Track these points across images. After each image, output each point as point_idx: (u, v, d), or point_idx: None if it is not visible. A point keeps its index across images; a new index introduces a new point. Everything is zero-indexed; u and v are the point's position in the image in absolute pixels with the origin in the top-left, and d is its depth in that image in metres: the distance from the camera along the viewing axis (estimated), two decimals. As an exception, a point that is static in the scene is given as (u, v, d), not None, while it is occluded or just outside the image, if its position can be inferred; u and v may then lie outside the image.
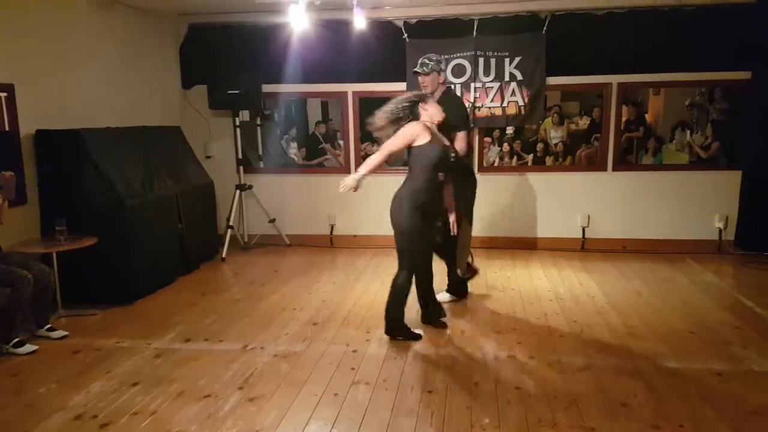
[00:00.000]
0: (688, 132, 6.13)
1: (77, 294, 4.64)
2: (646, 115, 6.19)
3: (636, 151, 6.21)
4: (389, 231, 6.56)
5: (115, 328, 4.30)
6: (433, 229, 4.07)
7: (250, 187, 6.60)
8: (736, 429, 2.84)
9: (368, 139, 6.56)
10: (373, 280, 5.39)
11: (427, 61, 4.38)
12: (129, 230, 4.77)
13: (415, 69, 4.47)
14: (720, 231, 6.16)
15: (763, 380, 3.34)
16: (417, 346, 3.88)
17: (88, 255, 4.45)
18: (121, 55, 5.72)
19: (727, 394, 3.18)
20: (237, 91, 6.10)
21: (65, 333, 4.12)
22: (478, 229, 6.45)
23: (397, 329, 3.98)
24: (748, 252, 5.94)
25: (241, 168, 6.54)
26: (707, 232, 6.20)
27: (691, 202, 6.18)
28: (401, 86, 6.27)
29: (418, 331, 4.05)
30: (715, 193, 6.12)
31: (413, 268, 3.96)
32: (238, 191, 6.49)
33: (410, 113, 3.93)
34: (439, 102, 4.16)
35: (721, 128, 6.04)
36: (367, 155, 6.58)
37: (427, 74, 4.39)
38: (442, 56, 4.47)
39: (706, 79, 5.98)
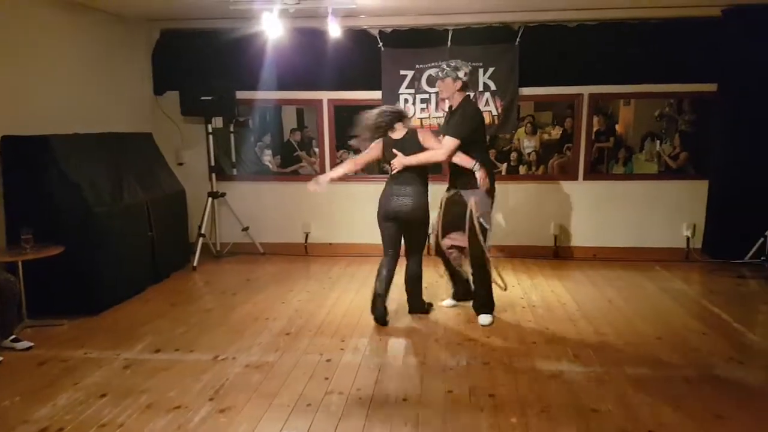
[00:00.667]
0: (658, 142, 6.26)
1: (44, 304, 4.52)
2: (617, 126, 6.32)
3: (607, 160, 6.32)
4: (364, 239, 6.65)
5: (83, 338, 4.20)
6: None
7: (223, 194, 6.53)
8: (704, 434, 2.88)
9: (344, 146, 6.56)
10: (347, 289, 5.37)
11: (445, 66, 4.27)
12: (97, 239, 4.68)
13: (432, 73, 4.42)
14: (688, 239, 6.28)
15: (728, 386, 3.41)
16: (391, 355, 3.88)
17: (55, 264, 4.34)
18: (91, 61, 5.62)
19: (695, 399, 3.23)
20: (210, 98, 6.04)
21: (31, 344, 4.01)
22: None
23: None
24: (715, 260, 6.06)
25: (214, 175, 6.47)
26: (676, 241, 6.32)
27: (660, 211, 6.29)
28: (377, 95, 6.30)
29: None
30: (684, 202, 6.25)
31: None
32: (210, 199, 6.41)
33: (389, 124, 4.28)
34: (453, 114, 4.28)
35: (689, 139, 6.18)
36: (343, 162, 6.60)
37: (441, 79, 4.27)
38: (469, 67, 4.29)
39: (675, 90, 6.12)
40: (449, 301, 4.83)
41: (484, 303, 4.47)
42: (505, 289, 4.65)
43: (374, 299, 4.42)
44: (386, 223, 4.36)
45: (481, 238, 4.24)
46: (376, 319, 4.42)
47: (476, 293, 4.52)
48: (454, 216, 4.36)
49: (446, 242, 4.50)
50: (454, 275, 4.73)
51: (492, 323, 4.39)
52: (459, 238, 4.38)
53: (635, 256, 6.28)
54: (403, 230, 4.37)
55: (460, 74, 4.21)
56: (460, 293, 4.77)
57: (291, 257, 6.58)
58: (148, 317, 4.63)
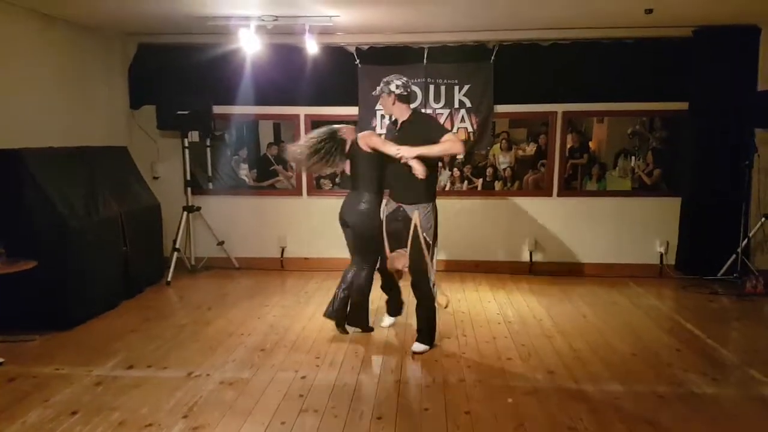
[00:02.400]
0: (631, 159, 6.37)
1: (14, 319, 4.45)
2: (590, 143, 6.40)
3: (580, 177, 6.40)
4: (340, 253, 6.60)
5: (54, 354, 4.12)
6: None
7: (198, 208, 6.49)
8: (675, 450, 2.92)
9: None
10: (323, 304, 5.29)
11: (381, 84, 4.20)
12: (70, 253, 4.62)
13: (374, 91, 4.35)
14: (661, 255, 6.38)
15: (702, 402, 3.44)
16: (367, 371, 3.86)
17: (27, 278, 4.27)
18: (66, 74, 5.56)
19: (669, 416, 3.26)
20: (186, 112, 6.01)
21: (1, 360, 3.93)
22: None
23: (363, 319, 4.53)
24: (688, 276, 6.14)
25: (189, 189, 6.42)
26: (649, 257, 6.41)
27: (634, 228, 6.39)
28: (353, 110, 6.35)
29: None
30: (657, 218, 6.35)
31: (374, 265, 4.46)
32: (185, 213, 6.36)
33: (334, 146, 4.33)
34: (411, 124, 4.15)
35: (661, 156, 6.30)
36: (320, 177, 6.60)
37: (379, 96, 4.25)
38: (402, 79, 4.13)
39: (647, 109, 6.23)
40: (388, 320, 4.76)
41: (423, 329, 4.23)
42: (446, 307, 4.46)
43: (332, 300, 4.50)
44: (343, 229, 4.46)
45: (426, 255, 4.08)
46: (334, 322, 4.52)
47: (418, 317, 4.26)
48: (396, 232, 4.23)
49: (394, 263, 4.28)
50: (393, 290, 4.68)
51: (425, 352, 4.15)
52: (401, 258, 4.21)
53: (609, 272, 6.36)
54: (352, 238, 4.40)
55: (392, 87, 4.12)
56: (395, 309, 4.74)
57: (267, 272, 6.54)
58: (120, 333, 4.56)
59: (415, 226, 4.08)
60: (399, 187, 4.18)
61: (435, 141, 3.96)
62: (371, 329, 4.59)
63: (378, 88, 4.20)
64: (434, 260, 4.17)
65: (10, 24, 4.89)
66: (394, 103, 4.16)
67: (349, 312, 4.51)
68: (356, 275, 4.40)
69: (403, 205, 4.14)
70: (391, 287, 4.65)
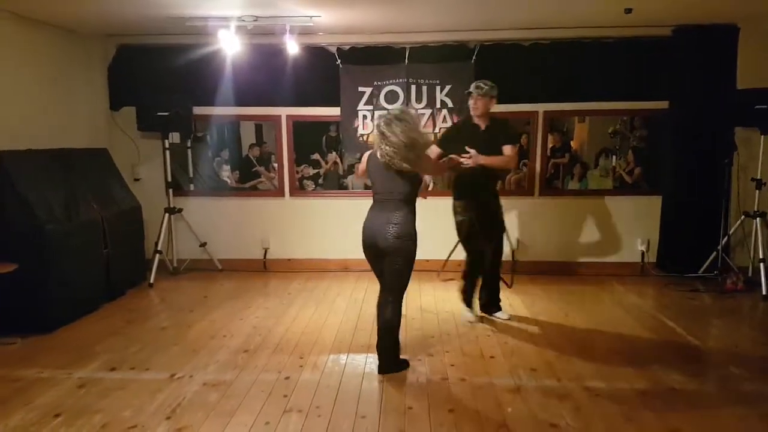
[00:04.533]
0: (612, 158, 6.43)
1: (-6, 322, 4.39)
2: (572, 142, 6.45)
3: (562, 176, 6.45)
4: (324, 254, 6.61)
5: (36, 357, 4.09)
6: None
7: (180, 210, 6.44)
8: (656, 445, 2.95)
9: (303, 161, 6.56)
10: (306, 305, 5.34)
11: (483, 85, 4.50)
12: (50, 255, 4.58)
13: (469, 90, 4.56)
14: (642, 254, 6.43)
15: (683, 399, 3.48)
16: (350, 372, 3.85)
17: (6, 281, 4.26)
18: (45, 76, 5.50)
19: (650, 412, 3.29)
20: (167, 113, 5.97)
21: (-20, 363, 3.89)
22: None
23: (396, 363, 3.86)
24: (669, 274, 6.20)
25: (171, 191, 6.37)
26: (630, 255, 6.46)
27: (615, 226, 6.45)
28: (335, 111, 6.34)
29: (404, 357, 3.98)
30: (638, 217, 6.41)
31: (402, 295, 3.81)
32: (167, 215, 6.31)
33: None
34: (489, 127, 4.58)
35: (641, 155, 6.36)
36: (303, 177, 6.58)
37: (479, 96, 4.49)
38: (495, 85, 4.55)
39: (627, 108, 6.29)
40: (470, 316, 4.94)
41: (497, 299, 4.95)
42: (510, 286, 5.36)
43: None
44: (366, 252, 3.82)
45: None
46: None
47: (493, 291, 4.93)
48: (486, 220, 4.63)
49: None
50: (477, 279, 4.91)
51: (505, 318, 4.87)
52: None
53: (591, 271, 6.40)
54: (380, 263, 3.75)
55: (494, 92, 4.52)
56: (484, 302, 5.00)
57: (249, 273, 6.51)
58: (102, 335, 4.53)
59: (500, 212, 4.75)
60: (480, 183, 4.63)
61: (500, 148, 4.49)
62: (407, 365, 3.92)
63: (479, 89, 4.48)
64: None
65: (-13, 25, 4.83)
66: (491, 107, 4.54)
67: (379, 355, 3.85)
68: (384, 309, 3.77)
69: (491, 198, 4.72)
70: (476, 277, 4.87)
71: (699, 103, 5.98)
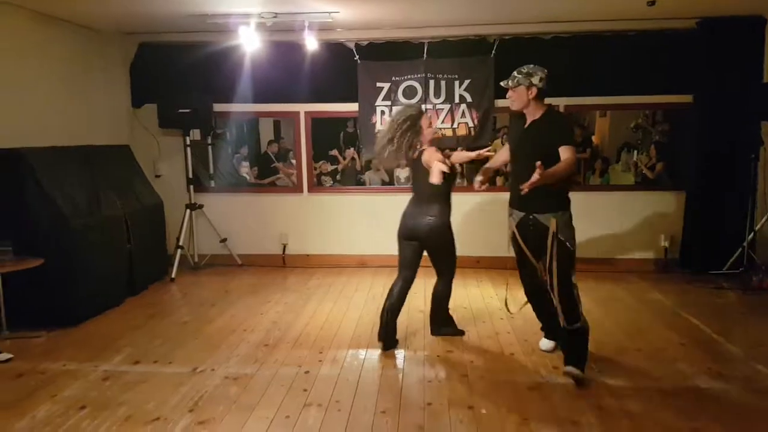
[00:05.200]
0: (634, 153, 6.34)
1: (22, 316, 4.48)
2: (593, 137, 6.38)
3: (583, 171, 6.38)
4: (342, 250, 6.62)
5: (61, 350, 4.16)
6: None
7: (201, 206, 6.50)
8: (680, 444, 2.91)
9: (322, 157, 6.57)
10: (325, 300, 5.36)
11: (516, 73, 3.65)
12: (75, 251, 4.65)
13: (501, 82, 3.80)
14: (665, 250, 6.34)
15: (707, 398, 3.42)
16: (369, 367, 3.86)
17: (33, 276, 4.32)
18: (69, 74, 5.58)
19: (673, 411, 3.24)
20: (187, 110, 6.03)
21: (9, 356, 3.98)
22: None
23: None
24: (693, 270, 6.10)
25: (191, 187, 6.43)
26: (653, 251, 6.39)
27: (638, 222, 6.36)
28: (353, 107, 6.34)
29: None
30: (661, 212, 6.32)
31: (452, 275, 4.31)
32: (188, 211, 6.37)
33: (412, 135, 3.98)
34: (538, 122, 3.66)
35: (664, 149, 6.27)
36: (321, 174, 6.60)
37: (512, 88, 3.67)
38: (544, 72, 3.62)
39: (649, 102, 6.20)
40: (547, 344, 4.13)
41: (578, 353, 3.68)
42: (510, 313, 4.40)
43: (381, 321, 4.16)
44: (404, 242, 4.14)
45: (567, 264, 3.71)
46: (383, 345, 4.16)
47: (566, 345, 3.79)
48: (534, 241, 3.79)
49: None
50: (544, 309, 4.04)
51: (578, 377, 3.59)
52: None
53: (613, 267, 6.33)
54: (427, 253, 4.17)
55: (535, 80, 3.57)
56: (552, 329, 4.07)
57: (268, 268, 6.55)
58: (126, 329, 4.59)
59: (554, 233, 3.68)
60: (528, 194, 3.46)
61: (554, 149, 3.50)
62: (462, 333, 4.42)
63: (512, 79, 3.64)
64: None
65: (13, 25, 4.91)
66: (532, 98, 3.61)
67: (432, 320, 4.43)
68: (438, 284, 4.28)
69: (535, 215, 3.73)
70: (542, 305, 4.01)
71: (724, 97, 5.87)
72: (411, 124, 3.97)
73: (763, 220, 5.89)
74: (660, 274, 6.22)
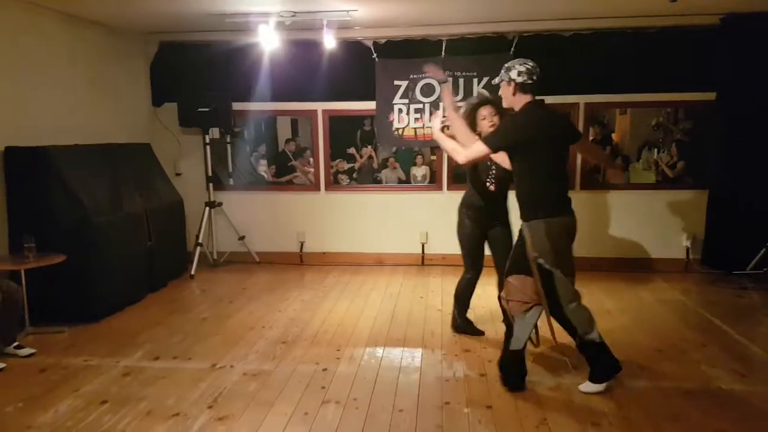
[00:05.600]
0: (655, 151, 6.25)
1: (45, 311, 4.55)
2: (613, 135, 6.31)
3: (603, 170, 6.32)
4: (359, 248, 6.64)
5: (83, 345, 4.22)
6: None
7: (220, 204, 6.55)
8: (701, 446, 2.87)
9: (338, 156, 6.58)
10: (342, 298, 5.37)
11: (502, 70, 3.47)
12: (97, 247, 4.71)
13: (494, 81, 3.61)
14: (687, 250, 6.26)
15: (730, 398, 3.38)
16: (387, 365, 3.86)
17: (56, 272, 4.38)
18: (91, 73, 5.65)
19: (695, 412, 3.20)
20: (207, 109, 6.07)
21: (33, 350, 4.05)
22: (450, 247, 6.51)
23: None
24: (715, 270, 6.03)
25: (211, 185, 6.49)
26: (675, 251, 6.30)
27: (659, 221, 6.29)
28: (371, 105, 6.34)
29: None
30: (683, 211, 6.24)
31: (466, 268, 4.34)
32: (207, 208, 6.43)
33: (471, 124, 3.91)
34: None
35: (685, 148, 6.17)
36: (338, 172, 6.62)
37: (499, 85, 3.51)
38: (526, 64, 3.37)
39: (671, 99, 6.13)
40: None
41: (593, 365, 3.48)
42: (537, 346, 4.03)
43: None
44: None
45: (540, 284, 3.35)
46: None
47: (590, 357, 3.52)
48: (516, 255, 3.52)
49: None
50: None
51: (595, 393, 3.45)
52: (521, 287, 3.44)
53: (634, 267, 6.27)
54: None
55: (513, 75, 3.37)
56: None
57: (286, 266, 6.58)
58: (146, 325, 4.64)
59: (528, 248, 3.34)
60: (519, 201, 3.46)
61: (515, 150, 3.38)
62: (480, 332, 4.39)
63: (500, 75, 3.49)
64: (564, 290, 3.39)
65: (36, 25, 4.98)
66: (514, 94, 3.40)
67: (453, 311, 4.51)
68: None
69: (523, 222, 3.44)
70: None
71: (748, 95, 5.77)
72: (467, 114, 3.98)
73: (787, 220, 5.79)
74: (682, 274, 6.14)
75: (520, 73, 3.35)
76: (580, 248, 6.24)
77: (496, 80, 3.49)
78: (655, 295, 5.42)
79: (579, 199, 6.46)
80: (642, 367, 3.80)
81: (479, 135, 3.76)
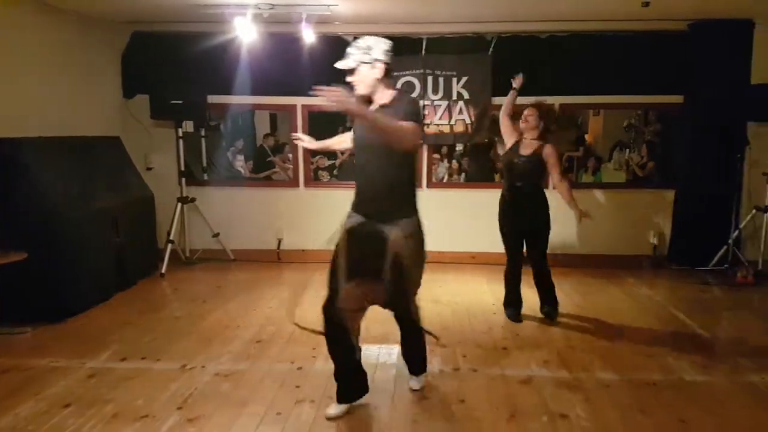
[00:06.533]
0: (626, 152, 6.38)
1: (6, 311, 4.41)
2: (586, 136, 6.40)
3: (576, 169, 6.41)
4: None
5: (47, 347, 4.10)
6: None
7: (193, 200, 6.45)
8: (669, 439, 2.94)
9: (319, 152, 6.52)
10: (319, 296, 5.29)
11: (352, 50, 3.01)
12: (63, 244, 4.59)
13: (337, 63, 3.10)
14: (654, 247, 6.41)
15: (693, 389, 3.48)
16: (363, 362, 3.83)
17: (18, 270, 4.25)
18: (59, 63, 5.50)
19: (660, 404, 3.29)
20: (180, 102, 5.97)
21: (-7, 352, 3.92)
22: (427, 244, 6.51)
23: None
24: (681, 267, 6.20)
25: (183, 180, 6.38)
26: (642, 248, 6.45)
27: (628, 219, 6.42)
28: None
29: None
30: (651, 210, 6.40)
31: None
32: (179, 204, 6.32)
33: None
34: (390, 107, 2.99)
35: (655, 148, 6.32)
36: (318, 168, 6.57)
37: (353, 69, 3.03)
38: (388, 44, 3.03)
39: (642, 102, 6.25)
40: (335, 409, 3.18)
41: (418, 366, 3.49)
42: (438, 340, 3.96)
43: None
44: None
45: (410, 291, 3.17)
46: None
47: (412, 355, 3.48)
48: (364, 255, 3.08)
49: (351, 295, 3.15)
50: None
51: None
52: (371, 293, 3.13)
53: (603, 263, 6.37)
54: None
55: (377, 54, 2.96)
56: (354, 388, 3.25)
57: (263, 264, 6.51)
58: (114, 325, 4.54)
59: (394, 251, 2.99)
60: (372, 192, 3.09)
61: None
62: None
63: (352, 57, 3.01)
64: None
65: (4, 13, 4.83)
66: (384, 77, 3.00)
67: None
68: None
69: (376, 222, 3.06)
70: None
71: (713, 98, 5.94)
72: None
73: (748, 218, 6.02)
74: (649, 270, 6.29)
75: (386, 53, 2.98)
76: (551, 244, 6.34)
77: (351, 63, 2.99)
78: (623, 291, 5.54)
79: (551, 197, 6.58)
80: (610, 360, 3.89)
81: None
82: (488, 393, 3.41)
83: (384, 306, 3.19)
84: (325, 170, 6.61)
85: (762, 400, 3.35)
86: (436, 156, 6.50)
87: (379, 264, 2.99)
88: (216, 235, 6.55)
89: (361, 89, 3.03)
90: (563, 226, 6.38)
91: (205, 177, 6.67)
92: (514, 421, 3.08)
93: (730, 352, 4.06)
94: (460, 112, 6.24)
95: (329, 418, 3.11)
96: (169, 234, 6.17)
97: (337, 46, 6.20)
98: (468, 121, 6.25)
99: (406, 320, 3.34)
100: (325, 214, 6.57)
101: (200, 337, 4.32)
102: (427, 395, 3.38)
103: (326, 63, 6.16)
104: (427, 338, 3.54)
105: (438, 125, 6.28)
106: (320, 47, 6.02)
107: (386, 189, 3.02)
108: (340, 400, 3.17)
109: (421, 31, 6.15)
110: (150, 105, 6.11)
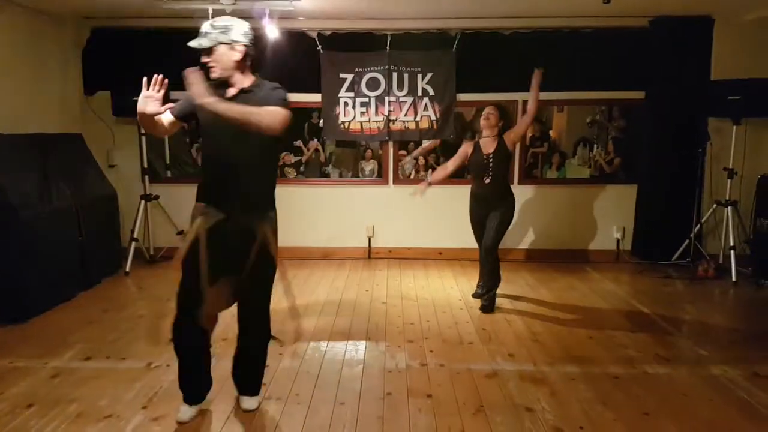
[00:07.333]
0: (591, 147, 6.49)
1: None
2: (551, 132, 6.50)
3: (541, 165, 6.49)
4: (304, 242, 6.58)
5: (9, 347, 4.01)
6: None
7: (157, 197, 6.35)
8: (631, 429, 3.00)
9: (286, 148, 6.49)
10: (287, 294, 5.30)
11: (207, 29, 2.79)
12: (24, 243, 4.49)
13: (190, 42, 2.89)
14: (618, 241, 6.53)
15: (655, 381, 3.55)
16: (330, 359, 3.85)
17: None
18: (16, 58, 5.35)
19: (624, 396, 3.35)
20: (142, 98, 5.86)
21: (-49, 354, 3.82)
22: (395, 240, 6.55)
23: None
24: (644, 261, 6.32)
25: (147, 177, 6.28)
26: (606, 243, 6.56)
27: (592, 214, 6.53)
28: (316, 97, 6.28)
29: None
30: (614, 205, 6.50)
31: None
32: (143, 202, 6.22)
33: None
34: (251, 92, 2.89)
35: (620, 144, 6.43)
36: (284, 165, 6.53)
37: (208, 48, 2.81)
38: (247, 25, 2.87)
39: (606, 98, 6.35)
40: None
41: (259, 382, 3.27)
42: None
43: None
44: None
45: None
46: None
47: (254, 369, 3.27)
48: (227, 254, 2.94)
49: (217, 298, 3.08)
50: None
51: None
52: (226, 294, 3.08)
53: (568, 258, 6.48)
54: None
55: (236, 35, 2.78)
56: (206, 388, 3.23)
57: (229, 261, 6.44)
58: (78, 324, 4.46)
59: (265, 247, 2.94)
60: (237, 183, 2.90)
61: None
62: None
63: (208, 36, 2.80)
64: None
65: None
66: (244, 59, 2.85)
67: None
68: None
69: (241, 214, 2.94)
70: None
71: (674, 94, 6.06)
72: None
73: (709, 212, 6.13)
74: (612, 265, 6.40)
75: (245, 35, 2.82)
76: (517, 240, 6.49)
77: (207, 42, 2.79)
78: (587, 285, 5.63)
79: (517, 193, 6.65)
80: (574, 353, 3.95)
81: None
82: (454, 387, 3.44)
83: (241, 306, 3.14)
84: (292, 167, 6.58)
85: (723, 392, 3.42)
86: (403, 152, 6.53)
87: (242, 261, 2.91)
88: (180, 233, 6.46)
89: (217, 72, 2.84)
90: (529, 222, 6.52)
91: (169, 174, 6.58)
92: (479, 415, 3.12)
93: (691, 345, 4.15)
94: (426, 108, 6.27)
95: (183, 423, 3.01)
96: (132, 232, 6.08)
97: (301, 41, 6.20)
98: (433, 117, 6.28)
99: (255, 325, 3.20)
100: (291, 211, 6.54)
101: (165, 335, 4.24)
102: (393, 391, 3.39)
103: (291, 59, 6.19)
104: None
105: (404, 122, 6.30)
106: (284, 43, 5.99)
107: (250, 180, 2.87)
108: (192, 402, 3.10)
109: (386, 27, 6.16)
110: (112, 102, 6.01)
